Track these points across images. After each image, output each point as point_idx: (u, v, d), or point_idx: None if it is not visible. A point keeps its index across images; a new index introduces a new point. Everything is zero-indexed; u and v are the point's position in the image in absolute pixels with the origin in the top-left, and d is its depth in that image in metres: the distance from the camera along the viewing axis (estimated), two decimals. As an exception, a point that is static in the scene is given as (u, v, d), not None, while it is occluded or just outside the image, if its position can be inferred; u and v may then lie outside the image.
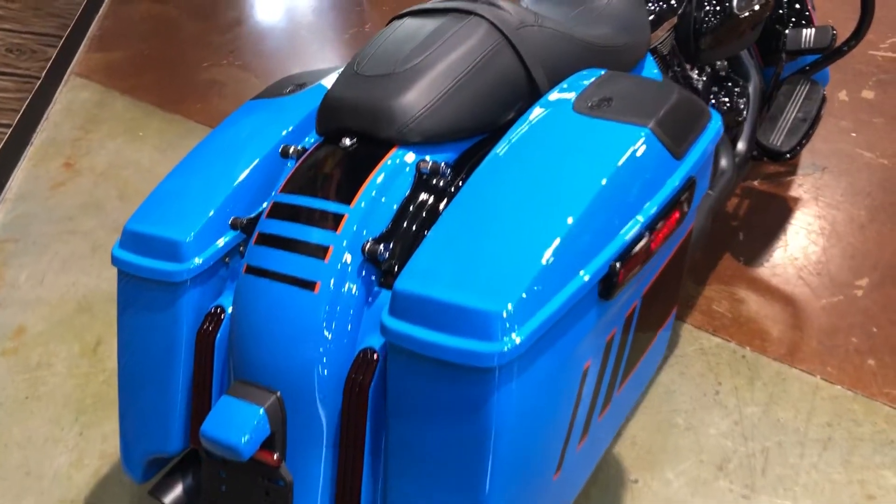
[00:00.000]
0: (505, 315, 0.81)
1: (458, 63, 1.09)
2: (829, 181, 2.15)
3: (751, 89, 1.83)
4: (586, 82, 1.12)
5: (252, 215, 1.15)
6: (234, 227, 1.13)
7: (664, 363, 1.69)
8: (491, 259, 0.86)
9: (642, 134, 0.99)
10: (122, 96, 2.85)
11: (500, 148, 1.02)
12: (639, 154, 0.98)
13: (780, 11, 1.94)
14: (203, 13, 3.45)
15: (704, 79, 1.73)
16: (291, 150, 1.18)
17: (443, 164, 1.05)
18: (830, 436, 1.47)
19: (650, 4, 1.55)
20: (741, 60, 1.84)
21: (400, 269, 0.98)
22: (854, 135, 2.32)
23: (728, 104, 1.75)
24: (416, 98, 1.06)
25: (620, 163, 0.96)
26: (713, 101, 1.74)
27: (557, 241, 0.86)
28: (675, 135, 1.04)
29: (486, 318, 0.81)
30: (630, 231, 0.96)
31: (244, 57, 3.06)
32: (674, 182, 1.03)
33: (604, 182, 0.93)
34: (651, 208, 0.99)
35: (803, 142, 1.76)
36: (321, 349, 0.96)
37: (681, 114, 1.06)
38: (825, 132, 2.32)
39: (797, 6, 1.89)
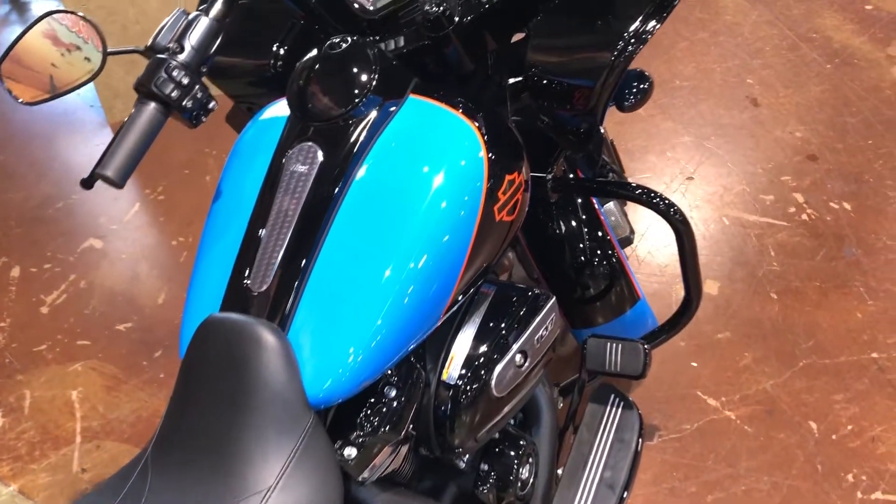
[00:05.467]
0: None
1: None
2: (684, 450, 1.67)
3: (543, 433, 1.30)
4: None
5: None
6: None
7: None
8: None
9: None
10: None
11: None
12: None
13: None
14: None
15: (467, 457, 1.18)
16: None
17: None
18: None
19: (359, 433, 0.97)
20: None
21: None
22: (695, 364, 1.85)
23: (509, 480, 1.20)
24: None
25: None
26: (483, 486, 1.19)
27: None
28: None
29: None
30: None
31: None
32: None
33: None
34: None
35: None
36: None
37: None
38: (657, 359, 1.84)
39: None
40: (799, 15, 2.98)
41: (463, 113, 0.99)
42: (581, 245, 1.44)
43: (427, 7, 1.08)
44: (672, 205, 1.26)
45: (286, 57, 1.21)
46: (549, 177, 1.29)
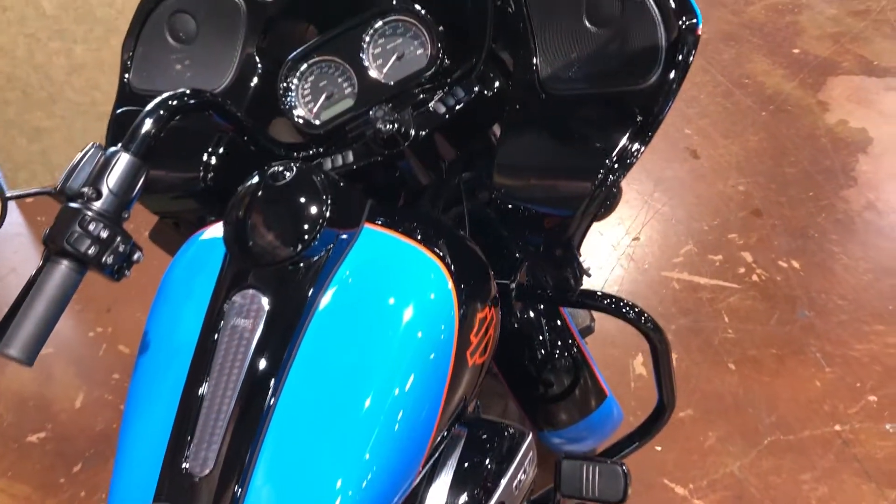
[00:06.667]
0: None
1: None
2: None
3: None
4: None
5: None
6: None
7: None
8: None
9: None
10: None
11: None
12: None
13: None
14: None
15: None
16: None
17: None
18: None
19: None
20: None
21: None
22: (659, 449, 1.77)
23: None
24: None
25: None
26: None
27: None
28: None
29: None
30: None
31: None
32: None
33: None
34: None
35: None
36: None
37: None
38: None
39: None
40: (729, 60, 2.98)
41: (423, 244, 0.88)
42: (540, 337, 1.34)
43: (380, 125, 0.97)
44: (642, 312, 1.18)
45: (218, 167, 1.07)
46: (513, 285, 1.19)
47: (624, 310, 1.17)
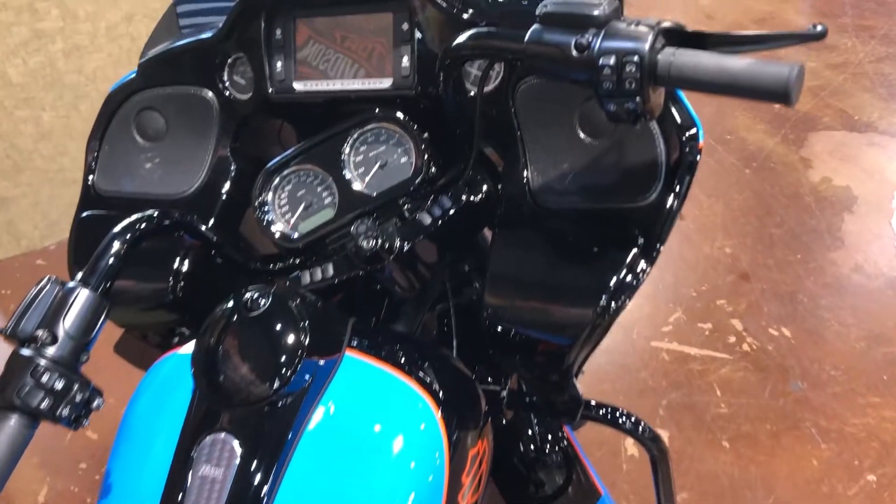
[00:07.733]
0: None
1: None
2: None
3: None
4: None
5: None
6: None
7: None
8: None
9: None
10: None
11: None
12: None
13: None
14: None
15: None
16: None
17: None
18: None
19: None
20: None
21: None
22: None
23: None
24: None
25: None
26: None
27: None
28: None
29: None
30: None
31: None
32: None
33: None
34: None
35: None
36: None
37: None
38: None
39: None
40: (711, 114, 2.97)
41: (407, 373, 0.81)
42: (529, 432, 1.27)
43: (362, 242, 0.90)
44: (639, 422, 1.11)
45: (189, 275, 1.00)
46: (504, 392, 1.12)
47: (621, 420, 1.10)
